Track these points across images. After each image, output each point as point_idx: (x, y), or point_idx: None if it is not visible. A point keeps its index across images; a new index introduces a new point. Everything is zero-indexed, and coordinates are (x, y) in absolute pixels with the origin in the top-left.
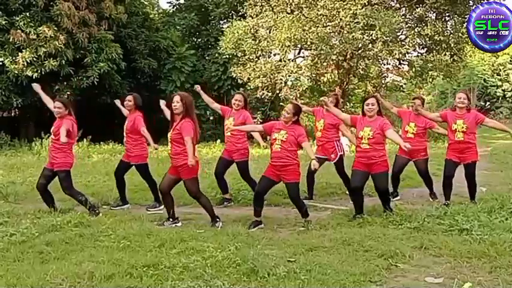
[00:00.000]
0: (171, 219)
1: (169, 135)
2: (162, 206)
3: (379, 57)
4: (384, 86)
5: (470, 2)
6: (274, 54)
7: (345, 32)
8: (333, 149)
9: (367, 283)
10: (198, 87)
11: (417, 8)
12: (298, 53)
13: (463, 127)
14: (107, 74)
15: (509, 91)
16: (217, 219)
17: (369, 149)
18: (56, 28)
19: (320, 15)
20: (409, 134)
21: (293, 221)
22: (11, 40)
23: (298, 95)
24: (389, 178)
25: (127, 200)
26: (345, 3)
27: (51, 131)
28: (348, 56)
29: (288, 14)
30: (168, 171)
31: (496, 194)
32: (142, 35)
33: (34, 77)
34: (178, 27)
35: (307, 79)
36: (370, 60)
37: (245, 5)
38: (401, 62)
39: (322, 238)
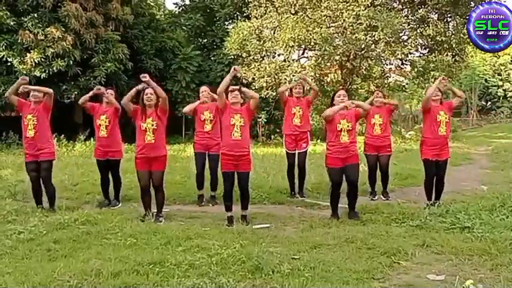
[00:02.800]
0: (151, 215)
1: (144, 125)
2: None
3: (381, 58)
4: (386, 86)
5: (472, 3)
6: (279, 55)
7: (348, 32)
8: (306, 139)
9: (370, 280)
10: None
11: (419, 9)
12: (302, 54)
13: (446, 117)
14: (114, 74)
15: (510, 91)
16: (162, 215)
17: (349, 143)
18: (63, 29)
19: (324, 16)
20: (376, 128)
21: (297, 219)
22: (19, 41)
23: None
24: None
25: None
26: (348, 4)
27: (34, 115)
28: (351, 57)
29: (292, 14)
30: (139, 167)
31: (497, 193)
32: (148, 36)
33: (42, 77)
34: (184, 28)
35: (311, 79)
36: (373, 61)
37: (250, 6)
38: (404, 62)
39: (325, 236)
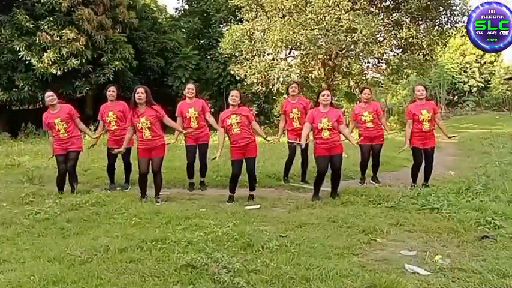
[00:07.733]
0: (146, 196)
1: (140, 125)
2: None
3: (360, 57)
4: (364, 82)
5: (441, 8)
6: (268, 54)
7: (330, 34)
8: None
9: (350, 255)
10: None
11: (394, 13)
12: (289, 53)
13: (428, 116)
14: (121, 71)
15: (474, 87)
16: (160, 196)
17: (329, 137)
18: (76, 31)
19: (308, 19)
20: (368, 123)
21: (284, 201)
22: (37, 41)
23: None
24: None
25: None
26: (330, 9)
27: (62, 119)
28: (333, 56)
29: (280, 18)
30: (140, 156)
31: (463, 177)
32: (151, 37)
33: (57, 75)
34: (183, 30)
35: (297, 76)
36: (353, 59)
37: (242, 11)
38: (380, 60)
39: (310, 216)
